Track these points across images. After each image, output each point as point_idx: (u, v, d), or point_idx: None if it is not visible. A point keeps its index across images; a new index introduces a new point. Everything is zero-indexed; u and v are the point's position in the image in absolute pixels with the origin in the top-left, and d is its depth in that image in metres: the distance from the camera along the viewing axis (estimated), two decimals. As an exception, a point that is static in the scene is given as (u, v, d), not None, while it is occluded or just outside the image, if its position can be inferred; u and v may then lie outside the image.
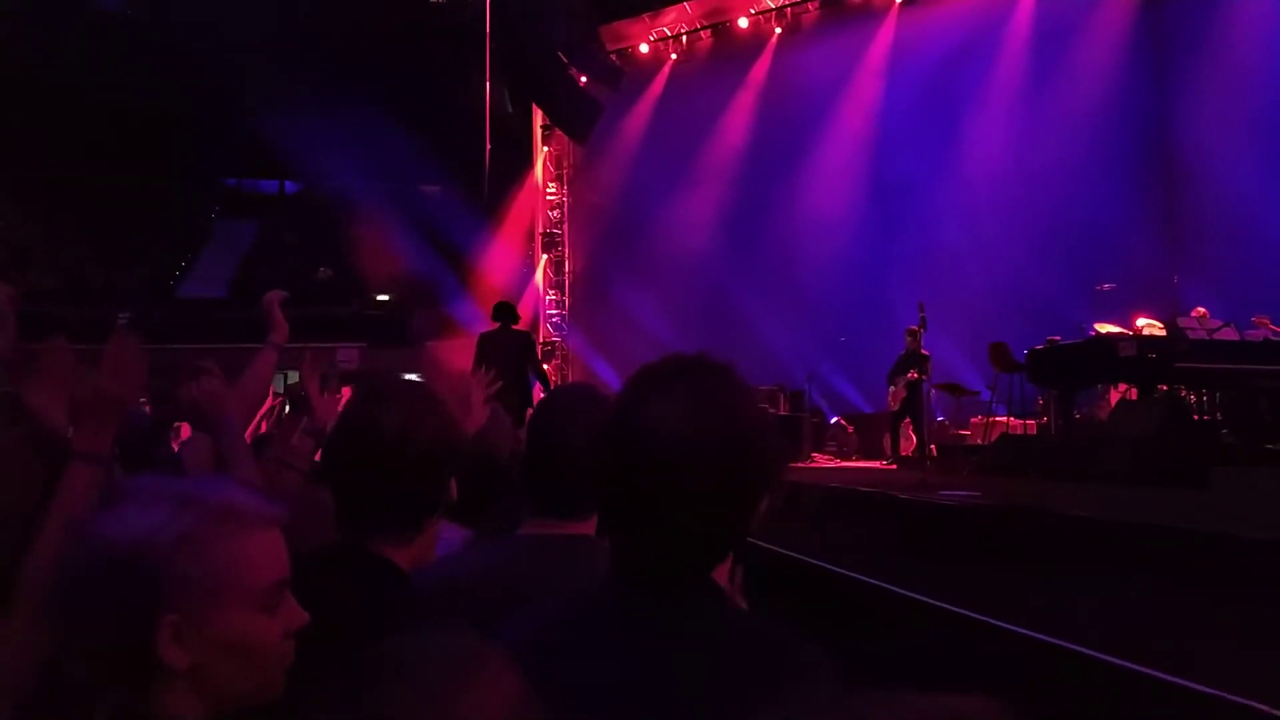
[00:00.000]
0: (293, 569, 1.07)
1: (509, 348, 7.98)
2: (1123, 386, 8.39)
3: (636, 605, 1.04)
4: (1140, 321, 8.27)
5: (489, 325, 8.59)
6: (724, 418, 1.02)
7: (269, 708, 1.05)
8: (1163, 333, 8.00)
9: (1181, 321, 8.00)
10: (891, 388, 10.16)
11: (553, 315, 16.60)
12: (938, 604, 4.03)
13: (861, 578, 4.57)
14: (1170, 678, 2.88)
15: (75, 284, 21.92)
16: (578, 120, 14.62)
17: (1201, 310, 8.46)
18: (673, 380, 1.04)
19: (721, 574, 1.06)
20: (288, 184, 26.39)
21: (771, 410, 11.04)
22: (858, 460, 11.38)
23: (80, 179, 23.46)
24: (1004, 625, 3.61)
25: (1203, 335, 7.57)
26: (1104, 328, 8.14)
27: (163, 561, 0.97)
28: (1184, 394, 7.80)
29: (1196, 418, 7.65)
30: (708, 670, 0.97)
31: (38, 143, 22.37)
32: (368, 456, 1.43)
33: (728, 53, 15.07)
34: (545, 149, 16.74)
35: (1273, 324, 8.13)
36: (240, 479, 2.07)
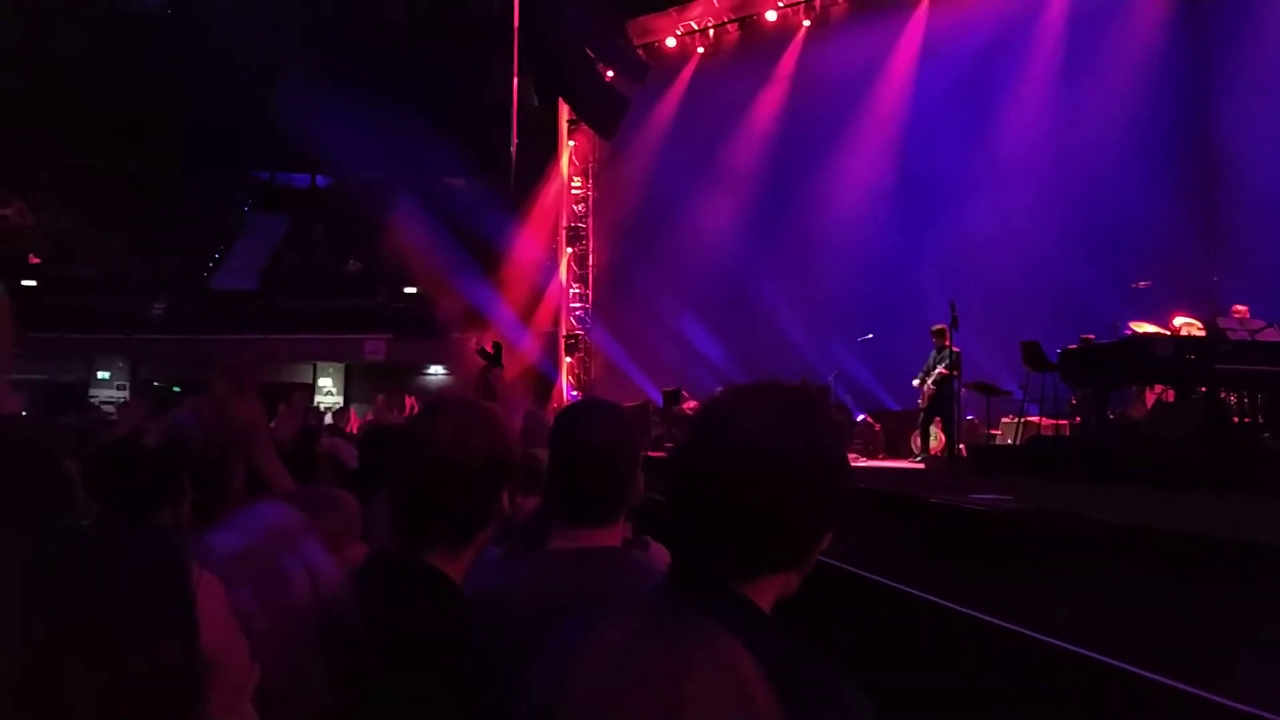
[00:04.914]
0: (350, 579, 1.06)
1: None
2: (1159, 387, 8.18)
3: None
4: (1178, 320, 8.05)
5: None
6: (804, 444, 1.05)
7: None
8: (1202, 332, 7.79)
9: (1221, 321, 7.79)
10: (921, 385, 10.03)
11: (576, 309, 16.59)
12: (965, 611, 3.94)
13: (886, 582, 4.50)
14: (1202, 692, 2.79)
15: (113, 275, 22.31)
16: (604, 115, 14.57)
17: (1242, 309, 8.22)
18: (763, 399, 1.08)
19: (770, 593, 1.08)
20: (318, 178, 26.65)
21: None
22: (884, 458, 11.24)
23: (117, 173, 23.87)
24: (1032, 634, 3.53)
25: (1244, 336, 7.36)
26: (1140, 327, 7.94)
27: None
28: (1223, 395, 7.59)
29: (1236, 420, 7.44)
30: None
31: (78, 137, 22.80)
32: (423, 470, 1.47)
33: (755, 46, 14.93)
34: (571, 143, 16.72)
35: None
36: (279, 494, 2.08)
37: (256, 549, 0.97)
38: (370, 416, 8.95)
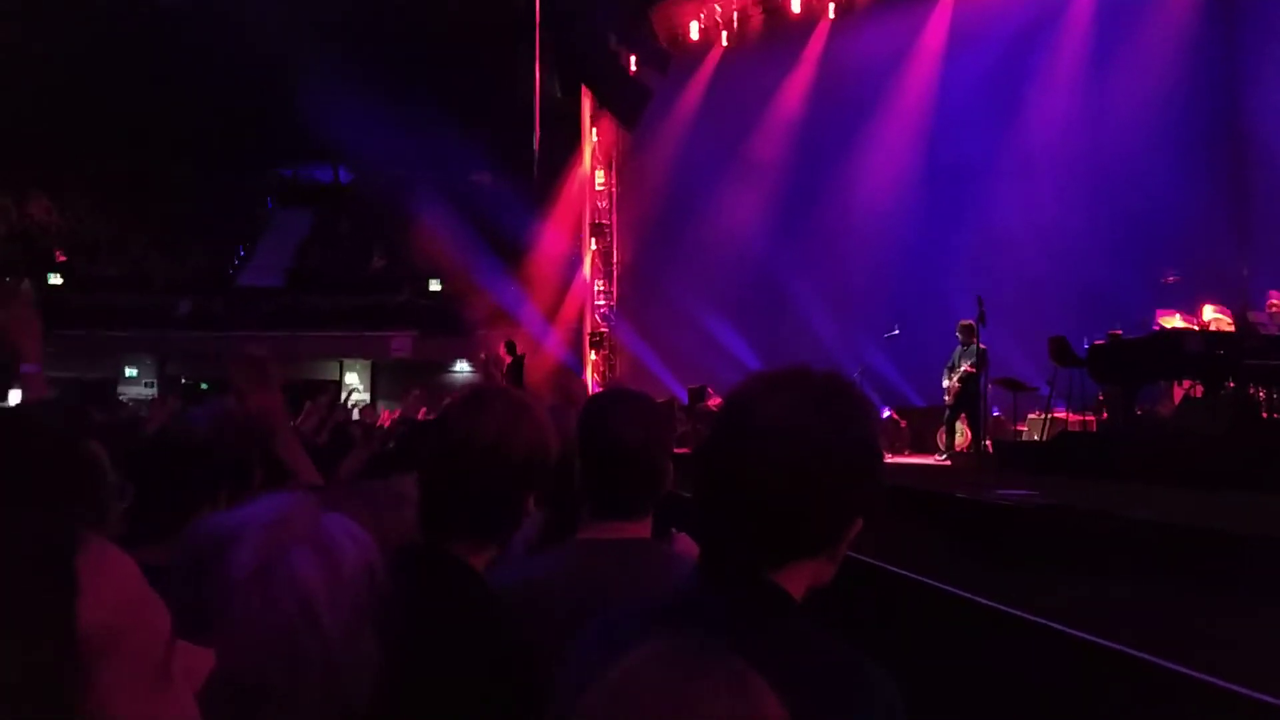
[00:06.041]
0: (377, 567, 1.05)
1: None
2: (1187, 382, 8.11)
3: (710, 613, 1.05)
4: (1207, 314, 7.97)
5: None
6: (827, 430, 1.03)
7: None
8: (1231, 326, 7.72)
9: (1252, 315, 7.71)
10: (947, 382, 10.00)
11: (600, 304, 16.64)
12: (991, 605, 3.96)
13: (912, 576, 4.52)
14: (1222, 683, 2.80)
15: (138, 273, 22.63)
16: (627, 106, 14.58)
17: (1278, 301, 8.10)
18: (788, 385, 1.07)
19: (801, 580, 1.08)
20: (342, 173, 26.84)
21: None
22: (910, 454, 11.23)
23: (141, 170, 24.18)
24: (1059, 627, 3.54)
25: (1274, 330, 7.28)
26: (1168, 320, 7.88)
27: None
28: (1253, 391, 7.51)
29: (1266, 416, 7.37)
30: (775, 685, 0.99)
31: (101, 135, 23.11)
32: (464, 458, 1.45)
33: (779, 35, 14.85)
34: (594, 137, 16.74)
35: None
36: (305, 482, 2.11)
37: (293, 514, 0.92)
38: (399, 412, 9.06)
